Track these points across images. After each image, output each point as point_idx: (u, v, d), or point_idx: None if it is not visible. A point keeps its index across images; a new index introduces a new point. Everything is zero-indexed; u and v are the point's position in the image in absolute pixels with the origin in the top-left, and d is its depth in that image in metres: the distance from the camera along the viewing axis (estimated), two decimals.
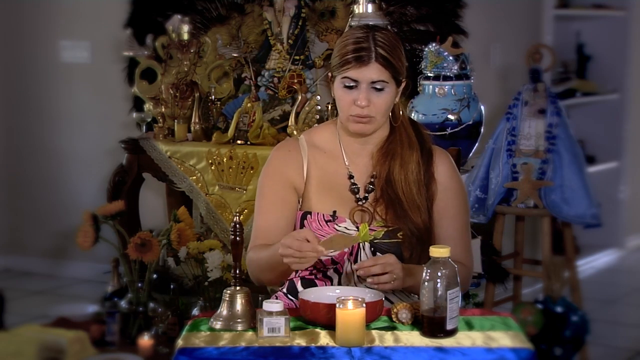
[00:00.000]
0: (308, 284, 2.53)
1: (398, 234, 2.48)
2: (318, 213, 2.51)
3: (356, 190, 2.53)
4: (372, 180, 2.54)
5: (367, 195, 2.53)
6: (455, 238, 2.52)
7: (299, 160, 2.55)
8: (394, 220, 2.49)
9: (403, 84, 2.51)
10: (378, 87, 2.44)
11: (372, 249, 2.50)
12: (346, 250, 2.50)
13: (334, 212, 2.50)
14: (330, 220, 2.50)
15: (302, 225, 2.51)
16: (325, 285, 2.52)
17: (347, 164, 2.56)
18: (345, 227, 2.50)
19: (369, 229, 2.49)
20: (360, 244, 2.50)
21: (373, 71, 2.42)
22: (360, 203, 2.52)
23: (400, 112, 2.56)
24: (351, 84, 2.44)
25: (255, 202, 2.59)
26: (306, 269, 2.57)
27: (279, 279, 2.54)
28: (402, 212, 2.48)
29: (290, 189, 2.54)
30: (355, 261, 2.50)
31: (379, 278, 2.34)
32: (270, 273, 2.48)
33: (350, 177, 2.54)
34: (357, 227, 2.50)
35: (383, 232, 2.49)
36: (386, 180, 2.51)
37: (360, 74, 2.42)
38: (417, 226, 2.47)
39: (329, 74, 2.53)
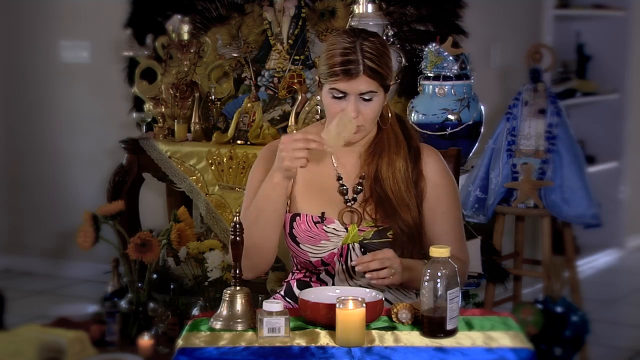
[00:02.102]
0: (304, 286, 2.53)
1: (388, 234, 2.49)
2: (307, 215, 2.51)
3: (345, 191, 2.53)
4: (361, 180, 2.54)
5: (355, 196, 2.53)
6: (449, 233, 2.52)
7: None
8: (383, 219, 2.49)
9: (392, 87, 2.51)
10: (366, 97, 2.43)
11: (362, 249, 2.50)
12: (336, 251, 2.50)
13: (322, 213, 2.50)
14: (319, 222, 2.50)
15: (291, 227, 2.52)
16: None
17: (335, 165, 2.56)
18: (334, 228, 2.50)
19: (358, 230, 2.50)
20: (350, 245, 2.50)
21: (362, 83, 2.41)
22: (349, 204, 2.52)
23: (389, 113, 2.56)
24: (339, 95, 2.43)
25: (244, 193, 2.60)
26: (300, 272, 2.58)
27: (270, 228, 2.48)
28: (392, 210, 2.47)
29: None
30: (346, 262, 2.50)
31: (378, 273, 2.34)
32: (260, 225, 2.44)
33: (339, 178, 2.55)
34: (346, 228, 2.51)
35: (372, 232, 2.50)
36: (374, 179, 2.51)
37: (349, 86, 2.41)
38: (407, 224, 2.47)
39: (317, 78, 2.52)
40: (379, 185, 2.50)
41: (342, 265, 2.51)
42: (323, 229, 2.50)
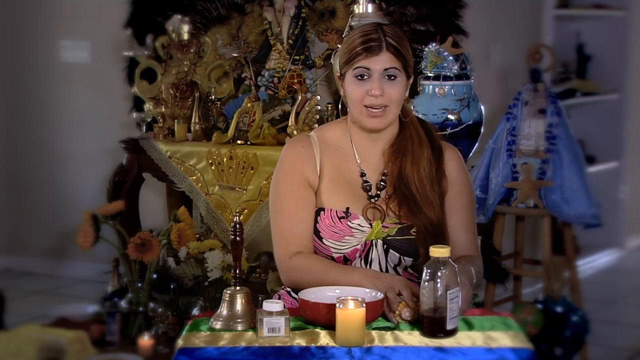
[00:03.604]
0: None
1: (411, 231, 2.49)
2: (331, 209, 2.51)
3: (368, 187, 2.54)
4: (384, 178, 2.55)
5: (378, 192, 2.54)
6: (466, 229, 2.55)
7: (312, 156, 2.55)
8: (408, 217, 2.50)
9: (411, 79, 2.53)
10: (390, 74, 2.45)
11: (385, 246, 2.50)
12: (359, 247, 2.51)
13: (347, 208, 2.51)
14: (343, 217, 2.50)
15: (315, 222, 2.52)
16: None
17: (358, 161, 2.56)
18: (359, 224, 2.50)
19: (382, 226, 2.50)
20: (373, 241, 2.50)
21: (385, 59, 2.45)
22: (372, 200, 2.53)
23: (411, 106, 2.59)
24: (363, 74, 2.45)
25: (271, 202, 2.57)
26: None
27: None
28: (417, 208, 2.49)
29: (308, 187, 2.54)
30: (367, 258, 2.50)
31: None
32: (328, 285, 2.43)
33: (362, 174, 2.55)
34: (370, 224, 2.50)
35: (396, 229, 2.50)
36: (398, 177, 2.52)
37: (372, 63, 2.44)
38: (431, 222, 2.48)
39: (338, 75, 2.53)
40: (404, 184, 2.51)
41: (361, 260, 2.51)
42: (347, 225, 2.50)
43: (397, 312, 2.24)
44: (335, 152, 2.57)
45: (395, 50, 2.45)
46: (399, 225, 2.50)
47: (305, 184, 2.53)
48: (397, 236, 2.49)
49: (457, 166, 2.58)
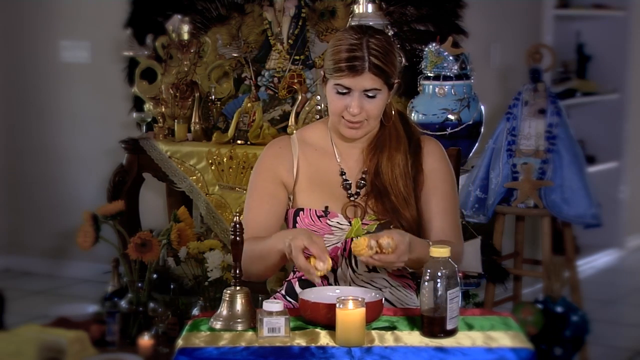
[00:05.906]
0: (306, 284, 2.54)
1: (391, 227, 2.49)
2: (310, 209, 2.53)
3: (348, 186, 2.55)
4: (364, 175, 2.56)
5: (358, 190, 2.55)
6: (444, 214, 2.51)
7: (289, 158, 2.58)
8: (383, 214, 2.51)
9: (396, 85, 2.53)
10: (370, 94, 2.45)
11: None
12: (339, 245, 2.52)
13: (326, 207, 2.52)
14: (322, 216, 2.52)
15: (294, 223, 2.53)
16: (322, 284, 2.53)
17: (338, 160, 2.58)
18: (338, 222, 2.52)
19: (362, 223, 2.51)
20: (354, 239, 2.50)
21: (366, 80, 2.44)
22: (352, 199, 2.53)
23: (392, 110, 2.58)
24: (344, 91, 2.46)
25: (245, 198, 2.62)
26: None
27: (267, 271, 2.51)
28: (391, 205, 2.50)
29: (280, 185, 2.56)
30: (349, 257, 2.51)
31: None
32: (260, 264, 2.45)
33: (342, 173, 2.56)
34: (350, 222, 2.52)
35: (375, 226, 2.51)
36: (375, 173, 2.53)
37: (353, 83, 2.44)
38: (406, 220, 2.49)
39: (322, 73, 2.54)
40: (379, 179, 2.52)
41: (345, 259, 2.52)
42: (327, 223, 2.52)
43: (313, 267, 2.25)
44: (315, 151, 2.59)
45: (378, 69, 2.43)
46: (378, 222, 2.51)
47: (278, 182, 2.56)
48: (377, 232, 2.49)
49: (436, 158, 2.57)
